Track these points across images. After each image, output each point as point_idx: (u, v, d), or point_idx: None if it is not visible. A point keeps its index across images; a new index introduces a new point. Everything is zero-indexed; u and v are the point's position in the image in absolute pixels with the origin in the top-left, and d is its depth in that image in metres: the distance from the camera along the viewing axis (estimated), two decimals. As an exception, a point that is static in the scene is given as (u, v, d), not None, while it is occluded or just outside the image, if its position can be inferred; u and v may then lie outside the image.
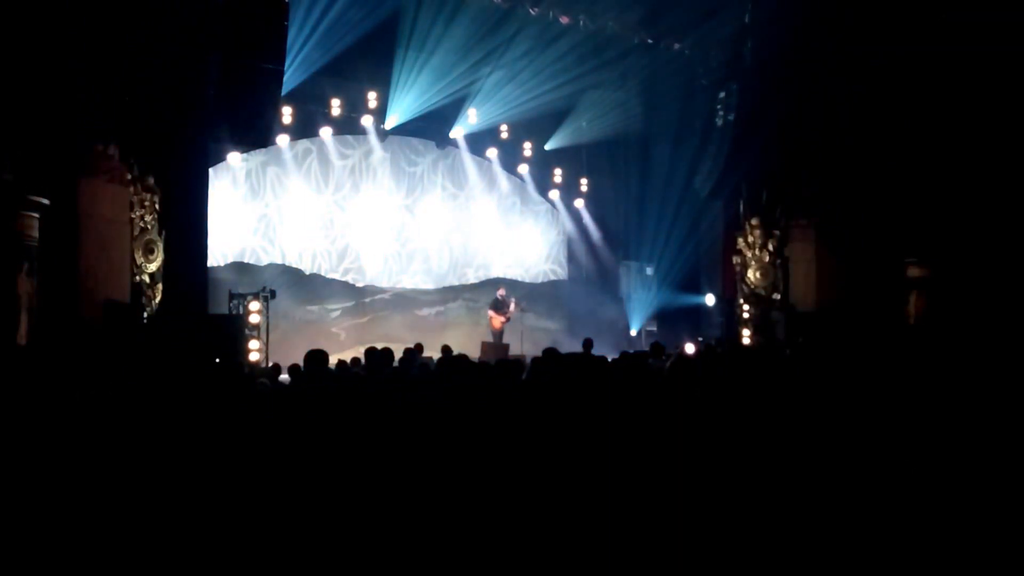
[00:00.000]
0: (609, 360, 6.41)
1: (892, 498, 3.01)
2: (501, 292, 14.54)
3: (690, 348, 9.85)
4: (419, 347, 8.89)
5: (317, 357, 5.47)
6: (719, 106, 13.79)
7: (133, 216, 9.44)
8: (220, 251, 13.23)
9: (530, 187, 16.71)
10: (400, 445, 3.35)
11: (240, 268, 13.44)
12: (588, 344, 9.55)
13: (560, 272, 17.36)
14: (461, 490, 3.13)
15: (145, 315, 9.40)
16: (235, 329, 9.83)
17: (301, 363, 5.85)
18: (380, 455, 3.30)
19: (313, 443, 3.42)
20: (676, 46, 14.59)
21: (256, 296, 10.92)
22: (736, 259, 13.58)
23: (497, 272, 16.43)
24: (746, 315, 13.16)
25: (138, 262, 9.49)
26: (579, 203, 17.08)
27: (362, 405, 3.78)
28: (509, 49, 13.81)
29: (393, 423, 3.53)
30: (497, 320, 14.12)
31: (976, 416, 3.78)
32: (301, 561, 3.02)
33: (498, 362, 7.11)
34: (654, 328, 15.88)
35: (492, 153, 15.96)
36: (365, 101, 14.18)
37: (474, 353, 11.46)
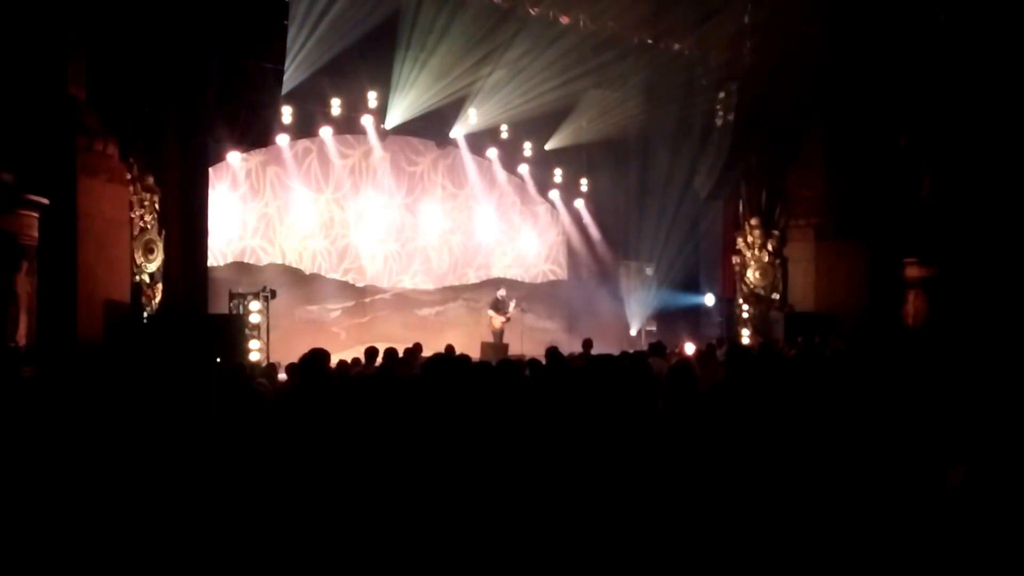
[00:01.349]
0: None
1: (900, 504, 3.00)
2: (501, 292, 14.56)
3: (689, 348, 9.86)
4: (418, 347, 8.88)
5: (319, 357, 5.44)
6: (718, 106, 13.81)
7: (133, 216, 9.44)
8: (220, 251, 13.25)
9: (530, 187, 16.73)
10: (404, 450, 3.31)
11: (240, 268, 13.47)
12: (588, 344, 9.57)
13: (560, 272, 17.38)
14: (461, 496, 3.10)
15: (145, 315, 9.41)
16: (235, 329, 9.83)
17: (299, 362, 5.83)
18: (383, 460, 3.26)
19: (316, 447, 3.38)
20: (676, 46, 14.59)
21: (256, 296, 10.93)
22: (735, 259, 13.63)
23: (497, 272, 16.45)
24: (745, 315, 13.20)
25: (138, 262, 9.49)
26: (579, 203, 17.10)
27: (372, 409, 3.73)
28: (509, 49, 13.82)
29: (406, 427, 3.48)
30: (497, 320, 14.13)
31: (975, 416, 3.78)
32: (301, 563, 3.01)
33: (500, 362, 7.11)
34: (653, 328, 15.89)
35: (492, 153, 15.98)
36: (365, 101, 14.19)
37: (474, 353, 11.47)
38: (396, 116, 14.34)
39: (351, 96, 14.03)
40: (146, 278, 9.60)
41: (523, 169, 16.45)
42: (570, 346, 11.75)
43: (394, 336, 13.19)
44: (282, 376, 8.07)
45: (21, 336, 7.51)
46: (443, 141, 15.44)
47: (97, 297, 8.69)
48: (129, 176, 9.33)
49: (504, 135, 15.77)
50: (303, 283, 14.10)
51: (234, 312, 10.72)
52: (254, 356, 10.23)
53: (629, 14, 13.82)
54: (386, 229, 15.30)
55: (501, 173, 16.39)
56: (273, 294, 11.18)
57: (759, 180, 13.43)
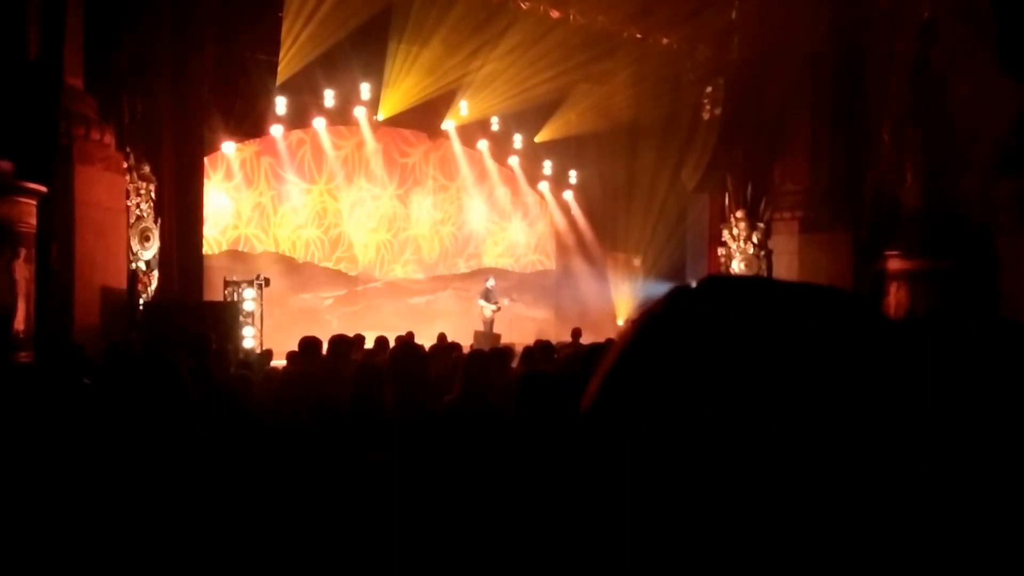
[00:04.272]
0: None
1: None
2: (491, 282, 14.74)
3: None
4: (410, 335, 9.06)
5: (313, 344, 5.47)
6: (706, 100, 14.03)
7: (129, 204, 9.57)
8: (215, 239, 13.40)
9: (520, 178, 16.91)
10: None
11: (235, 256, 13.61)
12: (576, 334, 9.80)
13: (548, 262, 17.59)
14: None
15: (141, 301, 9.58)
16: (230, 316, 9.99)
17: (294, 349, 5.93)
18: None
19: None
20: (664, 41, 14.79)
21: (250, 284, 11.08)
22: (721, 251, 13.87)
23: (487, 262, 16.65)
24: (731, 305, 13.43)
25: (134, 249, 9.64)
26: (568, 195, 17.27)
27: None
28: (501, 42, 13.98)
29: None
30: (488, 310, 14.32)
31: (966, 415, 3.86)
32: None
33: (492, 350, 7.32)
34: (641, 318, 16.11)
35: (483, 145, 16.14)
36: (358, 92, 14.30)
37: (466, 342, 11.66)
38: (388, 108, 14.48)
39: (344, 88, 14.15)
40: (142, 265, 9.75)
41: (513, 161, 16.62)
42: (559, 335, 12.01)
43: (386, 324, 13.37)
44: (277, 363, 8.21)
45: (19, 322, 7.65)
46: (434, 133, 15.59)
47: (94, 284, 8.83)
48: (126, 165, 9.46)
49: (495, 127, 15.93)
50: (296, 271, 14.27)
51: (229, 299, 10.87)
52: (248, 343, 10.39)
53: (618, 9, 14.01)
54: (378, 219, 15.48)
55: (491, 165, 16.56)
56: (267, 282, 11.32)
57: (745, 173, 13.65)
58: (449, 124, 15.44)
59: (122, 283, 9.32)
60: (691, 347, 0.56)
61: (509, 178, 16.90)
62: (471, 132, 15.85)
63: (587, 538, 0.58)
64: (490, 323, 14.22)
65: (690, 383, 0.54)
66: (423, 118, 15.10)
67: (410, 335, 9.04)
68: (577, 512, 0.60)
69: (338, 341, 5.47)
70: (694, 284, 0.62)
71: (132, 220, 9.62)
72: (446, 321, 14.59)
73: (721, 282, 0.62)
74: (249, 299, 10.91)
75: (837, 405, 0.54)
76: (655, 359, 0.57)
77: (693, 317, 0.57)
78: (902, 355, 0.56)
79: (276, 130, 13.76)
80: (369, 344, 7.66)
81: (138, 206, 9.70)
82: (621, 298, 16.77)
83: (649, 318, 0.61)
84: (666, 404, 0.55)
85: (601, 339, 9.21)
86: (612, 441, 0.57)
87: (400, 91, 14.19)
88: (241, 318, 10.46)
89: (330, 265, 14.89)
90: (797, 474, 0.52)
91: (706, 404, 0.53)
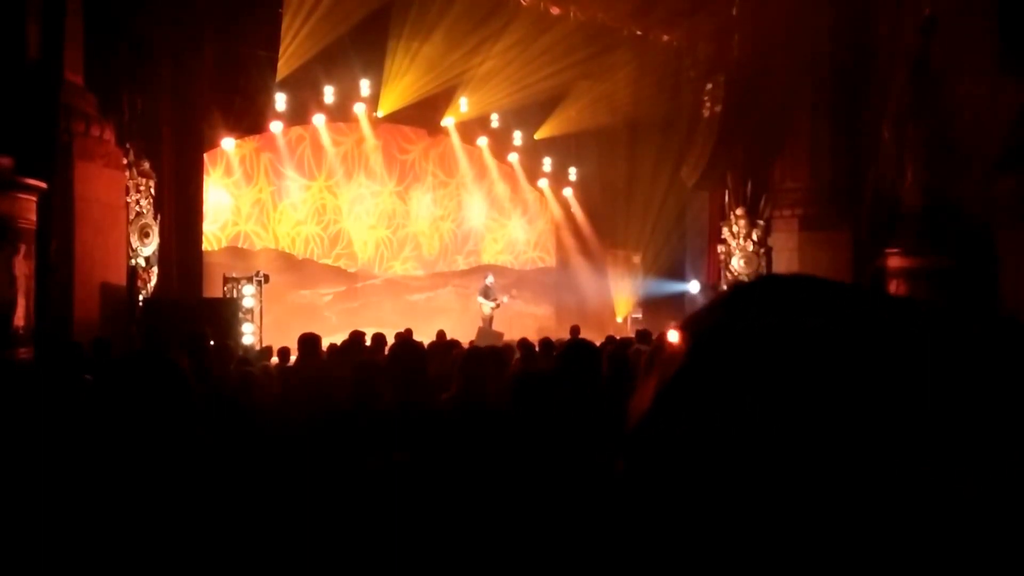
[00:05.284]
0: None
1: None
2: (489, 279, 14.73)
3: (674, 336, 10.06)
4: (409, 332, 9.05)
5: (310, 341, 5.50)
6: (706, 98, 14.02)
7: (129, 200, 9.59)
8: (214, 235, 13.40)
9: (520, 175, 16.90)
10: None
11: (234, 252, 13.61)
12: (575, 331, 9.80)
13: (548, 259, 17.60)
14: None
15: (140, 298, 9.59)
16: (229, 312, 10.00)
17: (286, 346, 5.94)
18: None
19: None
20: (665, 38, 14.79)
21: (250, 280, 11.08)
22: (721, 248, 13.88)
23: (486, 259, 16.66)
24: (730, 303, 13.43)
25: (134, 245, 9.65)
26: (568, 192, 17.28)
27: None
28: (501, 39, 13.97)
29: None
30: (487, 307, 14.32)
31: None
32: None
33: (490, 347, 7.29)
34: (640, 315, 16.13)
35: (482, 141, 16.13)
36: (358, 89, 14.29)
37: (466, 338, 11.66)
38: (388, 104, 14.47)
39: (344, 84, 14.13)
40: (142, 262, 9.77)
41: (513, 158, 16.62)
42: (559, 332, 12.00)
43: (385, 321, 13.38)
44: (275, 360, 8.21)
45: (19, 318, 7.66)
46: (434, 129, 15.59)
47: (94, 280, 8.84)
48: (125, 161, 9.48)
49: (494, 124, 15.92)
50: (296, 268, 14.27)
51: (228, 296, 10.88)
52: (248, 339, 10.40)
53: (619, 5, 14.01)
54: (377, 216, 15.49)
55: (491, 161, 16.55)
56: (266, 279, 11.33)
57: (745, 171, 13.67)
58: (449, 121, 15.43)
59: (121, 279, 9.33)
60: (753, 359, 0.54)
61: (509, 175, 16.90)
62: (471, 129, 15.84)
63: (631, 549, 0.56)
64: (489, 320, 14.23)
65: (758, 396, 0.53)
66: (423, 115, 15.10)
67: (409, 332, 9.04)
68: (622, 525, 0.58)
69: (353, 342, 5.49)
70: (749, 285, 0.60)
71: (132, 216, 9.64)
72: (446, 318, 14.60)
73: (777, 283, 0.60)
74: (248, 295, 10.92)
75: (909, 417, 0.52)
76: (718, 371, 0.55)
77: (752, 325, 0.56)
78: (960, 358, 0.55)
79: (276, 126, 13.75)
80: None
81: (138, 202, 9.72)
82: (621, 295, 16.78)
83: (707, 328, 0.59)
84: (735, 419, 0.53)
85: (601, 337, 9.22)
86: (675, 456, 0.55)
87: (400, 87, 14.18)
88: (240, 315, 10.46)
89: (329, 262, 14.90)
90: (871, 486, 0.51)
91: (778, 418, 0.52)
